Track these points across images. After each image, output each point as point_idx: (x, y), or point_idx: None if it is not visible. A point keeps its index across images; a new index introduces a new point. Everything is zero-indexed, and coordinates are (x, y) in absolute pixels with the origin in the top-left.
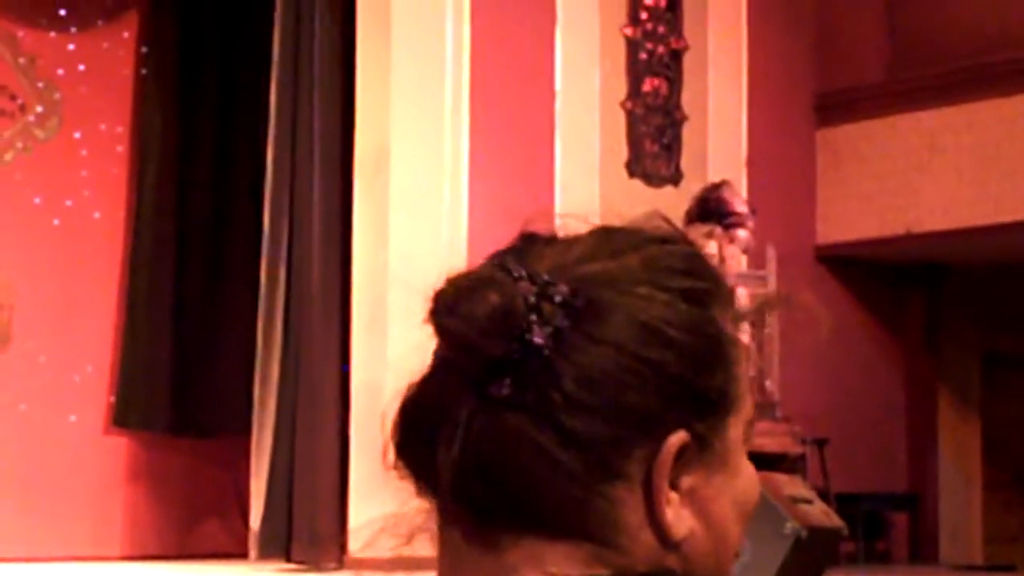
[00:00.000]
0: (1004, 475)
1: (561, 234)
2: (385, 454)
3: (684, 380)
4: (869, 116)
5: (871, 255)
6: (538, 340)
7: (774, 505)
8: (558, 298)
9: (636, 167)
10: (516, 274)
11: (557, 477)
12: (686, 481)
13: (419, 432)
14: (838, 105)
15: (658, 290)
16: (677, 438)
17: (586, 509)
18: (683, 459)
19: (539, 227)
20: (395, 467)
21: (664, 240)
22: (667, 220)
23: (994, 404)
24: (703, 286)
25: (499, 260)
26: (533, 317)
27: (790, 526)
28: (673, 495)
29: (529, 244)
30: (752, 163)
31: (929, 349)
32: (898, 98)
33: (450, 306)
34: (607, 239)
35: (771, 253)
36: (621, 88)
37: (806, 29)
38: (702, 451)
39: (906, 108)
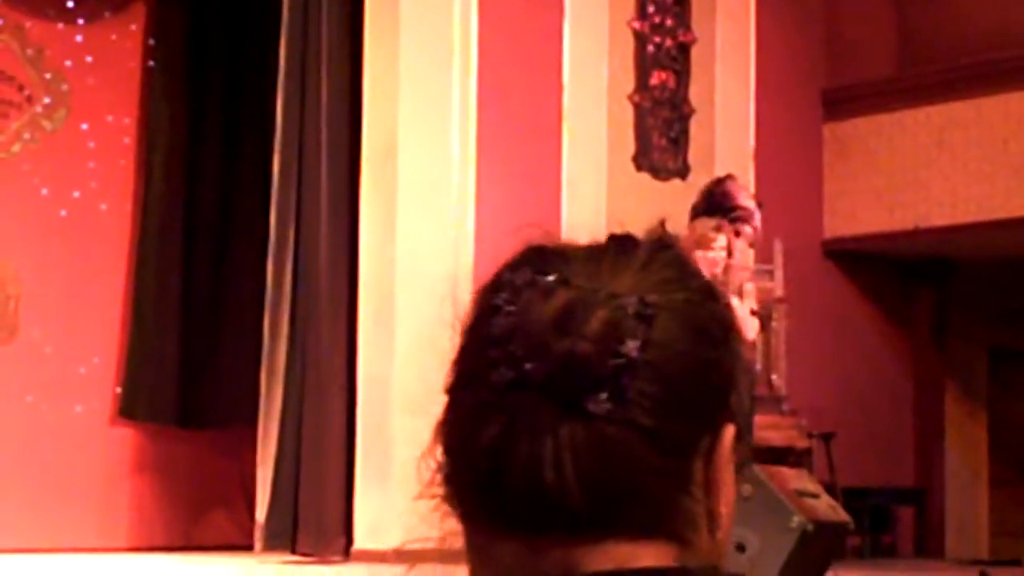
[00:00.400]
0: (1010, 470)
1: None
2: (431, 483)
3: (730, 374)
4: (877, 111)
5: (878, 250)
6: (634, 353)
7: (780, 499)
8: (631, 310)
9: (643, 160)
10: (593, 288)
11: (656, 482)
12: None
13: (495, 461)
14: (846, 100)
15: (691, 292)
16: (731, 430)
17: (674, 510)
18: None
19: (535, 239)
20: (445, 498)
21: (667, 244)
22: (662, 224)
23: (1001, 399)
24: (709, 281)
25: (556, 275)
26: (627, 330)
27: (796, 520)
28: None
29: (555, 258)
30: (759, 157)
31: (936, 344)
32: (906, 93)
33: (558, 326)
34: (627, 249)
35: (778, 247)
36: (629, 81)
37: (814, 23)
38: (736, 439)
39: (914, 103)
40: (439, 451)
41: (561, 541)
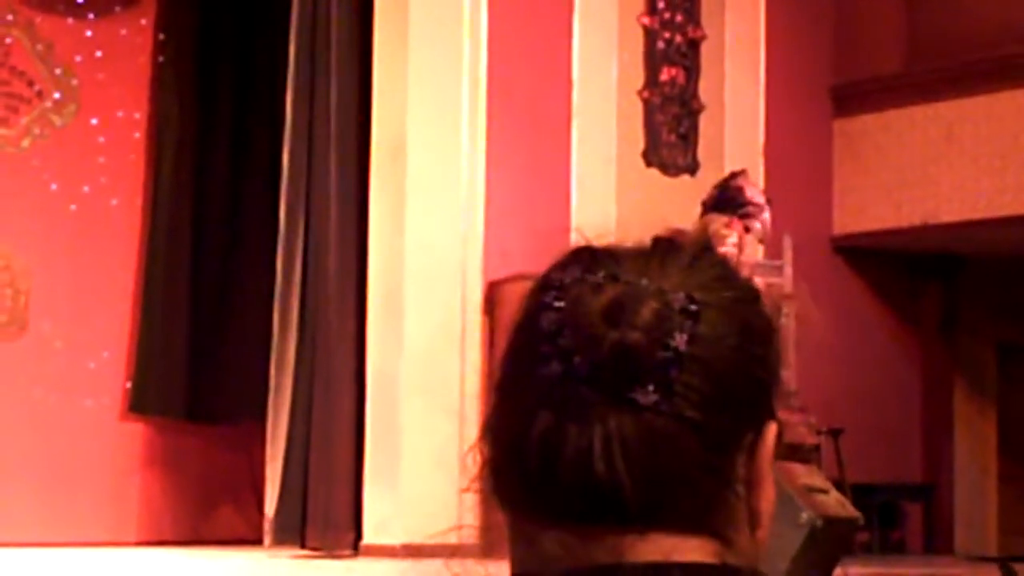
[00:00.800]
0: (1019, 466)
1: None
2: (480, 478)
3: (775, 372)
4: (886, 106)
5: (887, 245)
6: (682, 346)
7: (789, 495)
8: (677, 305)
9: (653, 156)
10: (642, 284)
11: (701, 476)
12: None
13: (545, 453)
14: (856, 95)
15: (738, 291)
16: (773, 428)
17: (718, 504)
18: None
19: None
20: (492, 491)
21: (711, 247)
22: (704, 228)
23: (1010, 395)
24: (752, 283)
25: (605, 272)
26: (675, 323)
27: (805, 516)
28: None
29: (604, 257)
30: (769, 153)
31: (945, 340)
32: (916, 89)
33: (607, 318)
34: (673, 250)
35: (788, 243)
36: (638, 77)
37: (824, 19)
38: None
39: (924, 99)
40: (486, 445)
41: (609, 531)
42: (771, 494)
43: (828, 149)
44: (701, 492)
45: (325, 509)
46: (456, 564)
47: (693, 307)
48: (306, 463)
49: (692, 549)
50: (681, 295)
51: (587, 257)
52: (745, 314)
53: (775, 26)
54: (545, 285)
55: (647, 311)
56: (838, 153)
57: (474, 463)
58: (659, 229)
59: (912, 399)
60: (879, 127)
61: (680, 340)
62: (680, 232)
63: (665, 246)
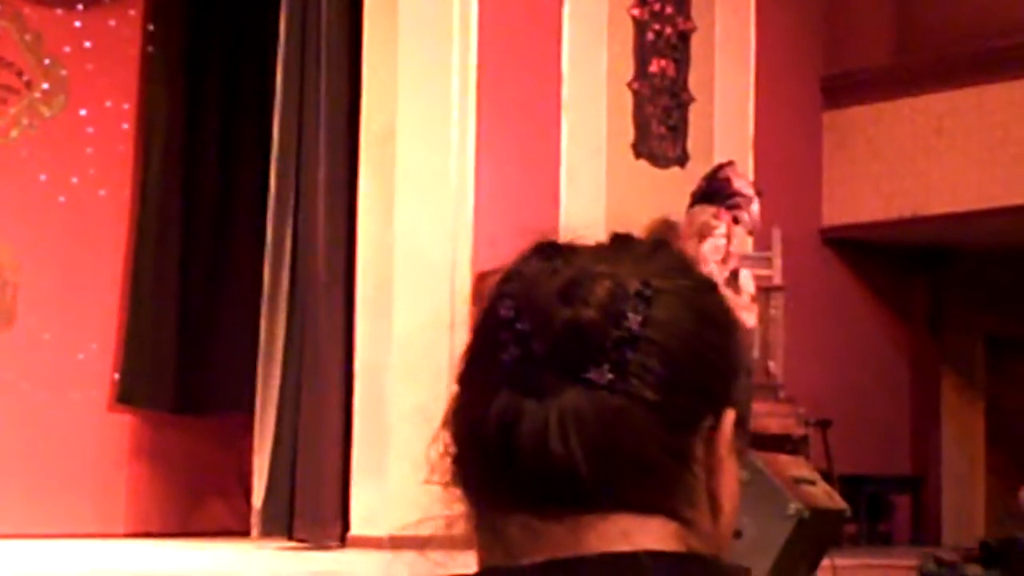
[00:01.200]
0: (1007, 458)
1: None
2: (436, 468)
3: (733, 361)
4: (876, 99)
5: (877, 237)
6: (635, 327)
7: (777, 486)
8: (631, 289)
9: (643, 148)
10: (598, 268)
11: (657, 455)
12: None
13: (503, 432)
14: (845, 87)
15: (695, 281)
16: (731, 415)
17: (675, 485)
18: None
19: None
20: (454, 480)
21: (668, 242)
22: (665, 222)
23: (998, 387)
24: (708, 276)
25: (562, 260)
26: (629, 305)
27: (793, 507)
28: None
29: (563, 248)
30: (759, 145)
31: (933, 332)
32: (905, 81)
33: (562, 296)
34: (630, 243)
35: (777, 235)
36: (628, 69)
37: (814, 11)
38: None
39: (913, 91)
40: (448, 436)
41: (569, 512)
42: (732, 483)
43: (818, 141)
44: (658, 472)
45: (313, 501)
46: (435, 554)
47: (648, 292)
48: (294, 455)
49: (652, 530)
50: (636, 280)
51: (547, 249)
52: (701, 302)
53: (765, 18)
54: (506, 277)
55: (601, 289)
56: (828, 145)
57: (437, 455)
58: (648, 220)
59: (900, 391)
60: (869, 119)
61: (634, 320)
62: (669, 222)
63: (623, 239)
